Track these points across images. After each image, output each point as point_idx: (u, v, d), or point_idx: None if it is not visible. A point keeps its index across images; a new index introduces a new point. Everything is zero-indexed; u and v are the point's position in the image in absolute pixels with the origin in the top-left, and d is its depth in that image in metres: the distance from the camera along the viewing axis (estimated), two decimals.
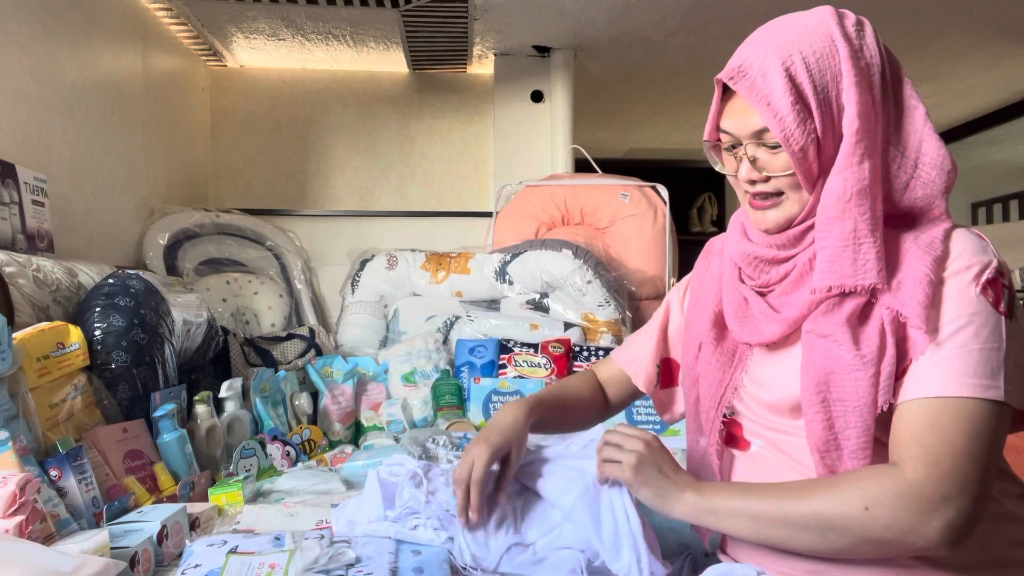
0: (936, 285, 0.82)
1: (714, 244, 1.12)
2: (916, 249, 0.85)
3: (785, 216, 0.91)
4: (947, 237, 0.85)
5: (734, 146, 0.93)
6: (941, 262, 0.84)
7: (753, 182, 0.92)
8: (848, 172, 0.84)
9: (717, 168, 0.98)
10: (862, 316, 0.85)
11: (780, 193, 0.90)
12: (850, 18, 0.88)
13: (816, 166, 0.87)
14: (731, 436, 1.00)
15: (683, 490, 0.90)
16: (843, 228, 0.84)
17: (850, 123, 0.84)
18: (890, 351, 0.82)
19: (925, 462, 0.78)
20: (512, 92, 3.03)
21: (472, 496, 0.99)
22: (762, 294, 0.96)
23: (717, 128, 0.95)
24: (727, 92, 0.92)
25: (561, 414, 1.17)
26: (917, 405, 0.81)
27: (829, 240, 0.85)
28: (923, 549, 0.79)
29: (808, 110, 0.84)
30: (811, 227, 0.90)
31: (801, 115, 0.84)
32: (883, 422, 0.84)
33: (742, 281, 0.99)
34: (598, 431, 1.03)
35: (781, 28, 0.88)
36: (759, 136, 0.89)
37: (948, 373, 0.79)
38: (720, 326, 1.01)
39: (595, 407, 1.23)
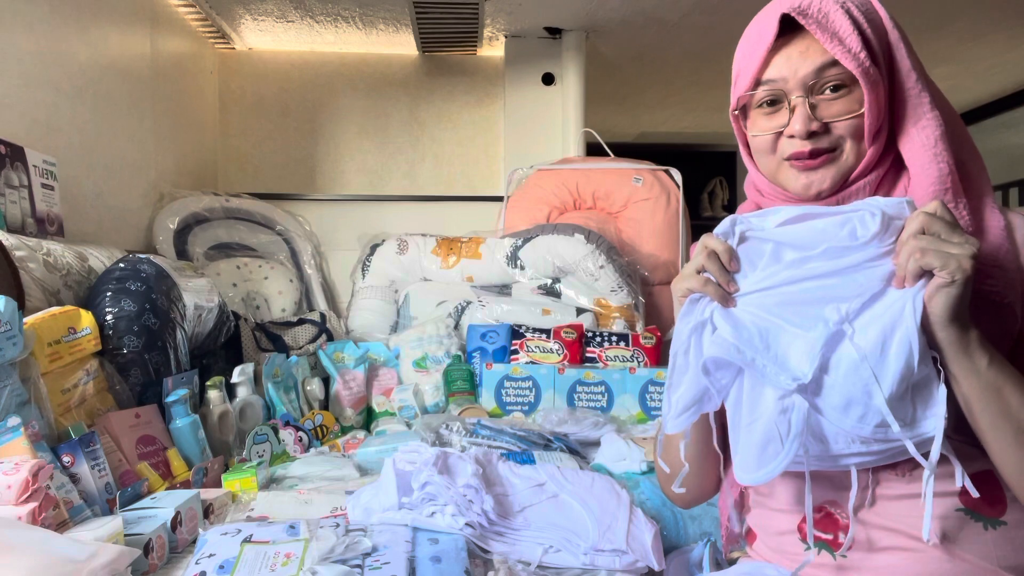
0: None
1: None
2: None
3: (840, 173, 0.86)
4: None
5: (774, 101, 0.87)
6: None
7: (811, 135, 0.85)
8: (926, 120, 0.84)
9: (751, 133, 0.91)
10: None
11: (834, 148, 0.85)
12: None
13: (884, 112, 0.85)
14: None
15: (980, 345, 0.75)
16: (939, 172, 0.83)
17: (908, 75, 0.85)
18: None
19: None
20: (523, 75, 2.99)
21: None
22: None
23: (756, 83, 0.88)
24: (777, 39, 0.86)
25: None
26: None
27: (924, 186, 0.83)
28: None
29: (872, 52, 0.83)
30: (862, 188, 0.86)
31: (869, 52, 0.83)
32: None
33: None
34: None
35: None
36: (820, 75, 0.83)
37: None
38: None
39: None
